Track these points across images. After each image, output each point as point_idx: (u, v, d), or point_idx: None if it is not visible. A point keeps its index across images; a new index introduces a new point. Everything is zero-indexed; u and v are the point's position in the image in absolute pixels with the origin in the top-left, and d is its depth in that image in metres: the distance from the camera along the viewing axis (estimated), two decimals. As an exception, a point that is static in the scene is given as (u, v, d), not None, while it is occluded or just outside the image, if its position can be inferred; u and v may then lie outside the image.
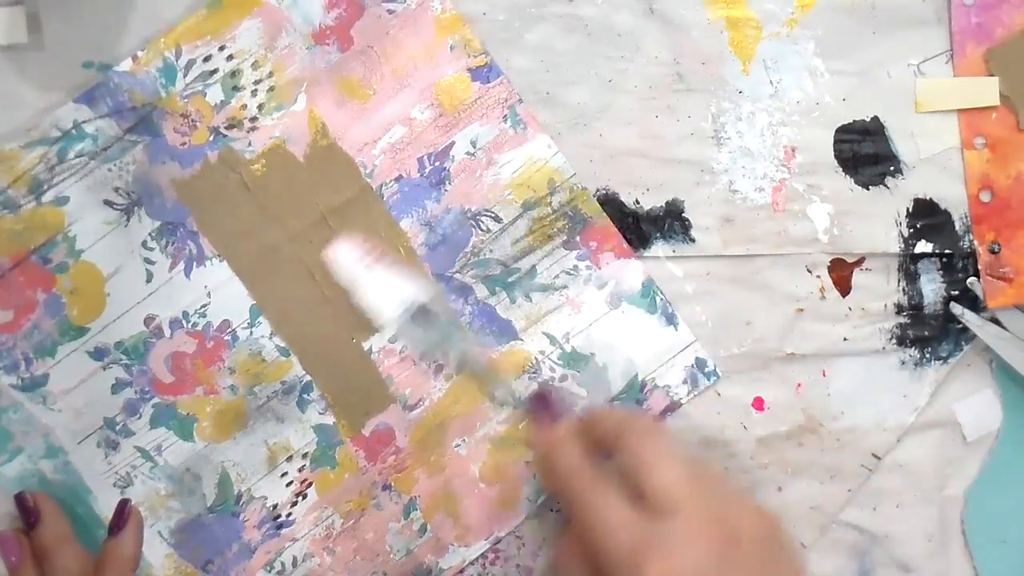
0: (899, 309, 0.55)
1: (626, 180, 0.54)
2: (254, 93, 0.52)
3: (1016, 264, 0.54)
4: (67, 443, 0.52)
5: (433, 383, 0.53)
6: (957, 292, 0.55)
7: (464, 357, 0.53)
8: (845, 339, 0.55)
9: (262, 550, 0.53)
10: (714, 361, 0.54)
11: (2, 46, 0.50)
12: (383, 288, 0.52)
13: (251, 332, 0.52)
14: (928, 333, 0.55)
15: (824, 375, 0.55)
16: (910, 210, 0.54)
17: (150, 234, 0.52)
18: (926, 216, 0.54)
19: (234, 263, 0.52)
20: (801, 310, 0.55)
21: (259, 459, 0.53)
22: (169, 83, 0.52)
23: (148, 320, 0.52)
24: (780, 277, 0.54)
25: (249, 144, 0.52)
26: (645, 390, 0.54)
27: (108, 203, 0.52)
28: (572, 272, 0.54)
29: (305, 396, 0.53)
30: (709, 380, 0.54)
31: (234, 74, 0.52)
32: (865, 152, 0.54)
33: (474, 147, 0.53)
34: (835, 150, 0.54)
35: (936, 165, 0.54)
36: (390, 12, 0.52)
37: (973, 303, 0.55)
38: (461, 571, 0.54)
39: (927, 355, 0.55)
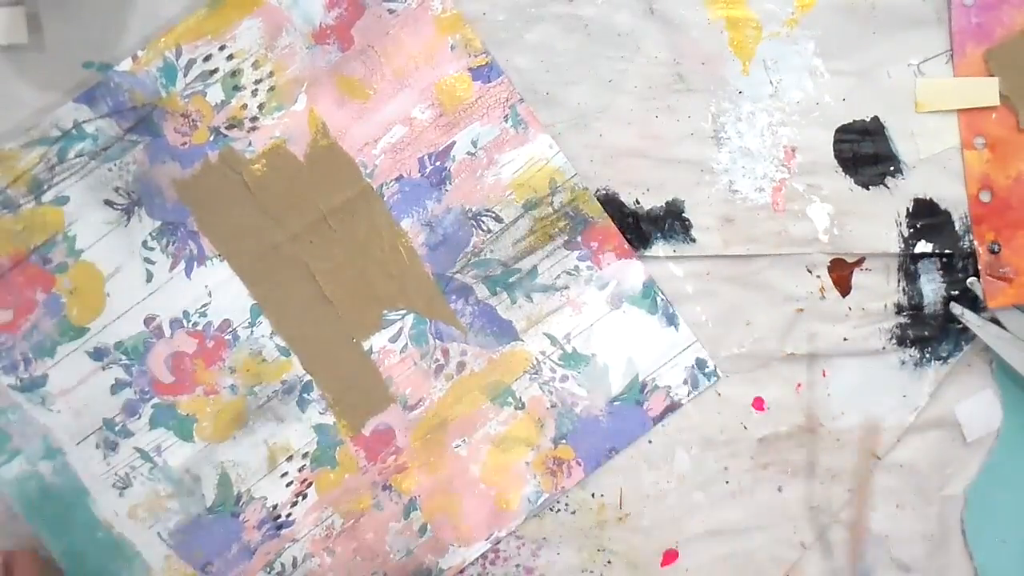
0: (899, 309, 0.55)
1: (626, 180, 0.54)
2: (254, 93, 0.52)
3: (1016, 264, 0.54)
4: (66, 444, 0.52)
5: (433, 383, 0.53)
6: (957, 292, 0.55)
7: None
8: (845, 339, 0.55)
9: (262, 551, 0.53)
10: (714, 361, 0.54)
11: (2, 46, 0.50)
12: None
13: (251, 332, 0.52)
14: (928, 333, 0.55)
15: (824, 375, 0.55)
16: (910, 210, 0.54)
17: (150, 234, 0.52)
18: (926, 216, 0.54)
19: (234, 263, 0.52)
20: (801, 310, 0.55)
21: (259, 459, 0.53)
22: (169, 83, 0.51)
23: (148, 320, 0.52)
24: (780, 277, 0.54)
25: (249, 144, 0.52)
26: (645, 390, 0.54)
27: (108, 203, 0.51)
28: (573, 272, 0.54)
29: (305, 396, 0.53)
30: (709, 380, 0.54)
31: (234, 74, 0.52)
32: (865, 152, 0.54)
33: (475, 147, 0.53)
34: (835, 150, 0.54)
35: (936, 165, 0.54)
36: (390, 12, 0.52)
37: (973, 303, 0.55)
38: (461, 571, 0.54)
39: (927, 355, 0.55)
